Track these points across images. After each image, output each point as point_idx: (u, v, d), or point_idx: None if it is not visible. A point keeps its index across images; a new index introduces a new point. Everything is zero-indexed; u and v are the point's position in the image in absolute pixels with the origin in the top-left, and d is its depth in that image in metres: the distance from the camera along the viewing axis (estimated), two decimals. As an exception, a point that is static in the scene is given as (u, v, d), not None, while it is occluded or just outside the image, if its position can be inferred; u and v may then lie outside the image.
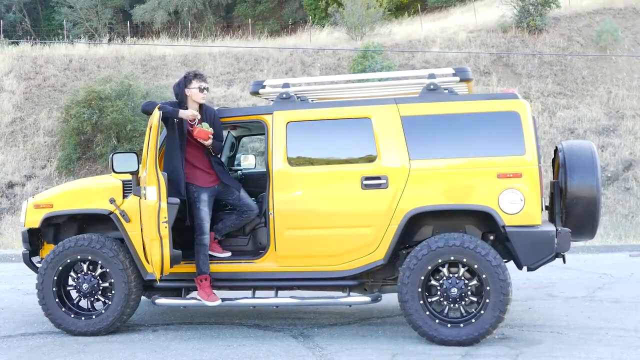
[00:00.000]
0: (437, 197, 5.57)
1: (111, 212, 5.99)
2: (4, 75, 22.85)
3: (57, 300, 6.02)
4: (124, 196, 6.01)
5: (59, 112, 19.97)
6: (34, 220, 6.21)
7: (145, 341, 5.85)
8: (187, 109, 5.93)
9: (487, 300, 5.37)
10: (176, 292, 6.34)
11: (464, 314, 5.51)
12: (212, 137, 5.85)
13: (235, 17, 40.42)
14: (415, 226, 5.77)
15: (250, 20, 35.44)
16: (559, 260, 5.85)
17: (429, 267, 5.46)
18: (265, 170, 5.97)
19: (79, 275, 6.07)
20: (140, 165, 5.72)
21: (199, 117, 5.88)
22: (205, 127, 5.83)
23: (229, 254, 6.10)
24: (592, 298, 7.54)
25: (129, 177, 5.95)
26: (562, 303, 7.28)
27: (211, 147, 5.96)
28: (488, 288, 5.37)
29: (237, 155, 7.44)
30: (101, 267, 6.00)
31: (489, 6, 29.16)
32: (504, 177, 5.46)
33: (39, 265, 6.21)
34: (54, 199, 6.27)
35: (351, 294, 5.87)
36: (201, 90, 5.94)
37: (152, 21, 37.22)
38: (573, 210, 5.78)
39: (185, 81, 5.98)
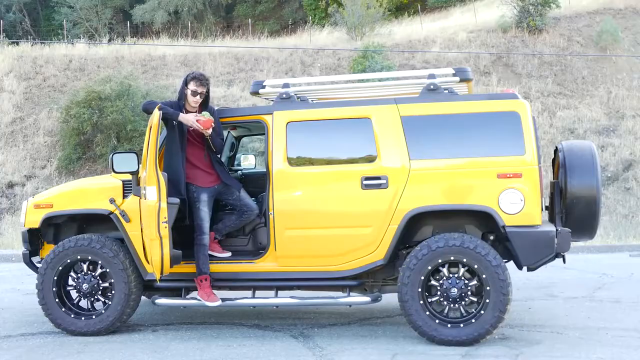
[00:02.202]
0: (437, 197, 5.57)
1: (111, 212, 5.99)
2: (4, 75, 22.85)
3: (57, 300, 6.02)
4: (124, 196, 6.01)
5: (59, 112, 19.96)
6: (34, 220, 6.21)
7: (145, 341, 5.85)
8: (185, 107, 5.94)
9: (487, 300, 5.37)
10: (176, 292, 6.34)
11: (464, 314, 5.51)
12: (213, 125, 5.83)
13: (235, 17, 40.43)
14: (415, 226, 5.77)
15: (250, 20, 35.43)
16: (559, 260, 5.86)
17: (429, 267, 5.46)
18: (265, 170, 5.97)
19: (79, 275, 6.07)
20: (140, 165, 5.72)
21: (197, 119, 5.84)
22: (207, 116, 5.82)
23: (229, 254, 6.10)
24: (592, 298, 7.54)
25: (129, 177, 5.94)
26: (562, 303, 7.28)
27: (211, 141, 5.93)
28: (488, 288, 5.37)
29: (237, 155, 7.44)
30: (101, 267, 6.00)
31: (489, 6, 29.17)
32: (504, 177, 5.47)
33: (39, 265, 6.21)
34: (54, 199, 6.27)
35: (351, 294, 5.87)
36: (194, 94, 5.90)
37: (152, 21, 37.21)
38: (573, 210, 5.78)
39: (186, 81, 5.97)
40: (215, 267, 5.95)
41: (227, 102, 21.10)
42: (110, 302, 5.98)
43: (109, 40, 29.61)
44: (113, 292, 5.96)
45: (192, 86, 5.90)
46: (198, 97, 5.92)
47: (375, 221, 5.63)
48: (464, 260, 5.41)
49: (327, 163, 5.88)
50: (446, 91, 5.95)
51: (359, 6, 25.98)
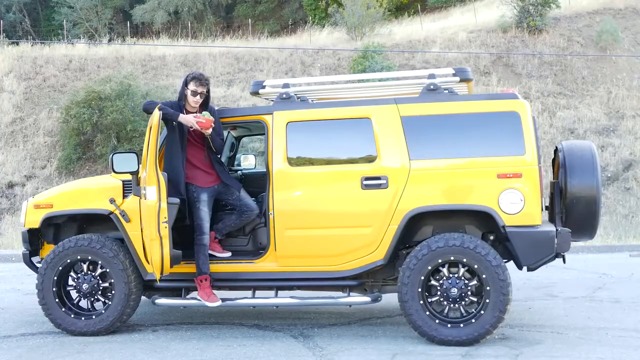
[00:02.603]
0: (437, 197, 5.57)
1: (111, 212, 5.99)
2: (4, 75, 22.85)
3: (57, 300, 6.02)
4: (124, 196, 6.01)
5: (59, 112, 19.97)
6: (34, 220, 6.21)
7: (145, 341, 5.85)
8: (185, 108, 5.94)
9: (487, 300, 5.37)
10: (176, 292, 6.34)
11: (464, 314, 5.51)
12: (213, 125, 5.83)
13: (235, 17, 40.43)
14: (415, 226, 5.77)
15: (250, 20, 35.43)
16: (559, 260, 5.86)
17: (429, 267, 5.46)
18: (265, 170, 5.97)
19: (79, 275, 6.07)
20: (140, 165, 5.72)
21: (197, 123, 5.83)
22: (207, 116, 5.82)
23: (229, 254, 6.10)
24: (592, 298, 7.54)
25: (129, 177, 5.95)
26: (562, 303, 7.28)
27: (211, 141, 5.92)
28: (488, 288, 5.37)
29: (237, 155, 7.44)
30: (101, 267, 6.00)
31: (489, 6, 29.17)
32: (504, 177, 5.47)
33: (39, 265, 6.21)
34: (54, 199, 6.27)
35: (351, 294, 5.87)
36: (194, 94, 5.90)
37: (152, 21, 37.23)
38: (573, 210, 5.78)
39: (186, 81, 5.97)
40: (215, 267, 5.95)
41: (227, 102, 21.10)
42: (110, 302, 5.98)
43: (109, 41, 29.62)
44: (113, 292, 5.96)
45: (192, 86, 5.90)
46: (198, 97, 5.92)
47: (375, 221, 5.63)
48: (464, 260, 5.41)
49: (327, 163, 5.88)
50: (446, 91, 5.95)
51: (359, 6, 25.98)
